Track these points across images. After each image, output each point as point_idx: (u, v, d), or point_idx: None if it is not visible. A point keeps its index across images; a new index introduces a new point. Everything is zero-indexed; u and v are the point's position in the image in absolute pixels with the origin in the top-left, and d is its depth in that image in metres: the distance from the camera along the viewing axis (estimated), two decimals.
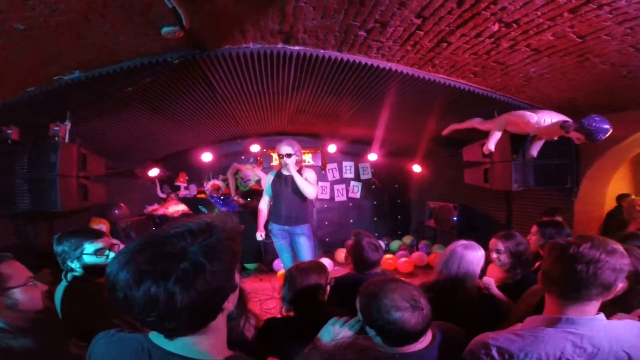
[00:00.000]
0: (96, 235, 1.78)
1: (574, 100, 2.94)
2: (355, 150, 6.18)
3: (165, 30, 1.98)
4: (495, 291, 1.96)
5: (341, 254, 5.59)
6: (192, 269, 0.69)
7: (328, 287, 1.82)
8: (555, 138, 2.94)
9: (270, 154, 6.01)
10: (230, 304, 0.80)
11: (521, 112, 2.91)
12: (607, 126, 2.33)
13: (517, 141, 3.44)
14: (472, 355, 1.15)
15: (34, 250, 3.02)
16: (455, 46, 2.21)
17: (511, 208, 4.33)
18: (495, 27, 1.93)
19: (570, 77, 2.50)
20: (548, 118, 2.71)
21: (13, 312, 1.23)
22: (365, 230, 2.24)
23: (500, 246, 2.07)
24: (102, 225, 4.12)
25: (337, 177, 6.30)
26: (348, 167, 6.35)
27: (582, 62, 2.24)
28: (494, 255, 2.11)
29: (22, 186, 2.74)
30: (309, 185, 3.07)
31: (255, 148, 5.63)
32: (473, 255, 1.85)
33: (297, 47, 2.34)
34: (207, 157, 5.45)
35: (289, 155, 3.07)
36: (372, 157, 5.86)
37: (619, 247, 1.07)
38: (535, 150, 3.31)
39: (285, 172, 3.21)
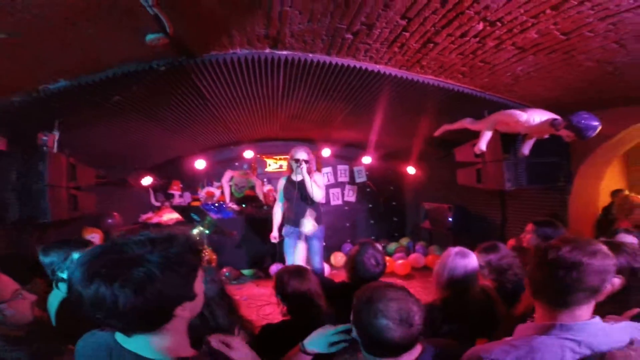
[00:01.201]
0: (83, 244, 1.79)
1: (561, 98, 2.95)
2: (349, 153, 6.18)
3: (149, 37, 1.96)
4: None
5: (337, 257, 5.56)
6: (144, 276, 0.73)
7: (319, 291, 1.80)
8: (546, 136, 2.94)
9: (264, 159, 6.00)
10: (186, 311, 0.83)
11: (510, 111, 2.91)
12: (595, 123, 2.33)
13: (508, 140, 3.45)
14: None
15: (27, 260, 2.98)
16: (442, 46, 2.21)
17: (505, 208, 4.33)
18: (480, 26, 1.94)
19: (557, 75, 2.51)
20: (537, 116, 2.71)
21: (4, 326, 1.23)
22: (371, 240, 2.17)
23: (481, 260, 1.96)
24: (96, 235, 4.06)
25: (332, 181, 6.29)
26: (343, 170, 6.34)
27: (567, 60, 2.25)
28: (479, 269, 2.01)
29: (11, 196, 2.70)
30: (317, 189, 3.29)
31: (248, 154, 5.60)
32: (472, 261, 1.83)
33: (285, 52, 2.34)
34: (200, 164, 5.40)
35: (306, 162, 3.26)
36: (367, 160, 5.86)
37: (602, 247, 1.03)
38: (526, 148, 3.31)
39: (295, 178, 3.38)
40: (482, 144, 3.19)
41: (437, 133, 3.89)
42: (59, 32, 1.71)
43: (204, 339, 1.00)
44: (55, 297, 1.65)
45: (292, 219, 3.40)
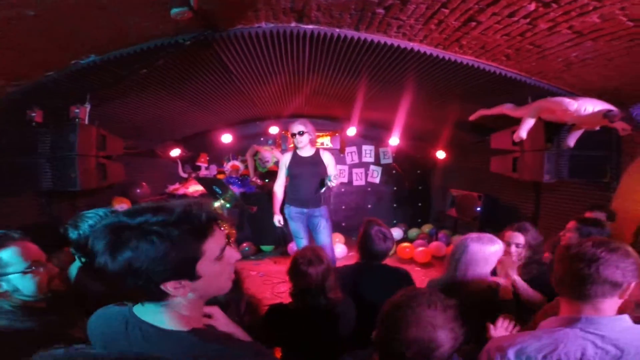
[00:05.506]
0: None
1: (619, 89, 2.63)
2: (375, 134, 5.97)
3: (173, 11, 1.90)
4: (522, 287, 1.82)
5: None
6: (116, 242, 0.72)
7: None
8: (597, 128, 2.67)
9: (288, 135, 5.94)
10: (184, 290, 0.78)
11: (559, 98, 2.65)
12: None
13: (552, 129, 3.17)
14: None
15: (57, 229, 3.15)
16: (485, 26, 2.00)
17: (539, 201, 4.06)
18: (532, 7, 1.72)
19: (617, 64, 2.22)
20: (590, 106, 2.44)
21: (22, 296, 1.21)
22: (378, 218, 2.11)
23: (521, 239, 1.96)
24: (124, 205, 4.21)
25: (356, 160, 6.16)
26: (368, 151, 6.17)
27: (632, 48, 1.98)
28: (513, 248, 1.99)
29: (45, 166, 2.84)
30: (331, 162, 3.16)
31: (273, 130, 5.58)
32: (486, 250, 1.70)
33: (310, 26, 2.21)
34: (227, 138, 5.48)
35: (301, 133, 3.07)
36: (394, 141, 5.65)
37: (626, 247, 1.07)
38: (572, 140, 3.04)
39: (301, 154, 3.18)
40: (523, 132, 2.97)
41: (472, 117, 3.66)
42: (86, 9, 1.69)
43: None
44: (75, 267, 1.68)
45: (298, 198, 3.17)
